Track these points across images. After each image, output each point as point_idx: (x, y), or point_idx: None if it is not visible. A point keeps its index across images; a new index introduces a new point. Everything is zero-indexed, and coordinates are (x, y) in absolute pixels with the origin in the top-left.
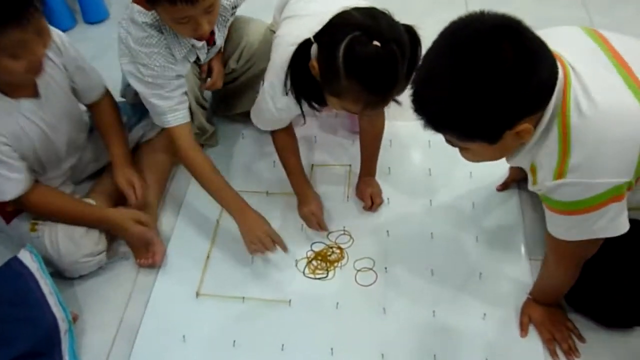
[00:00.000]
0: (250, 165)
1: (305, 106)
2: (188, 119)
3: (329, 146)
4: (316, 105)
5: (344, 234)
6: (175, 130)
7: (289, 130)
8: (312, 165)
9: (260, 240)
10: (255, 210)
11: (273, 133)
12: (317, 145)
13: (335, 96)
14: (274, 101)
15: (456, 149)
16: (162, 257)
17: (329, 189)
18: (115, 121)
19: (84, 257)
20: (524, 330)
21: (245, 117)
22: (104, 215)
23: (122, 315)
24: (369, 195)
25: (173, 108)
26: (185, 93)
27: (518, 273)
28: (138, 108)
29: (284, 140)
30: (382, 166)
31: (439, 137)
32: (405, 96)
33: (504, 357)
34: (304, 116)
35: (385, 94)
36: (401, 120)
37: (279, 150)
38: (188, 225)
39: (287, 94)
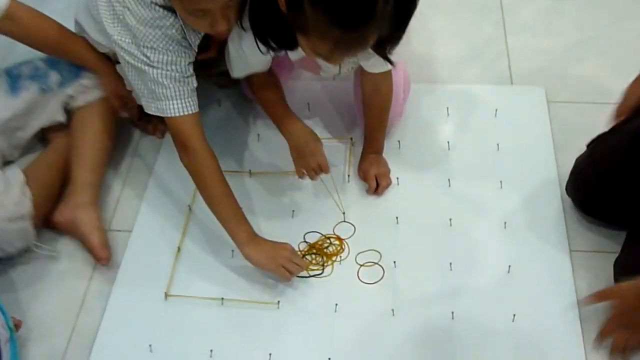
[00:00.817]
0: (228, 139)
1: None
2: (198, 108)
3: (325, 115)
4: (281, 49)
5: (344, 221)
6: (182, 122)
7: (268, 72)
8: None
9: (282, 266)
10: (268, 240)
11: (249, 77)
12: (311, 114)
13: (302, 33)
14: (240, 39)
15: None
16: (105, 253)
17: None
18: None
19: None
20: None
21: (223, 79)
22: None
23: (75, 322)
24: (373, 176)
25: (182, 93)
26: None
27: (556, 268)
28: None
29: (262, 78)
30: (391, 140)
31: (461, 104)
32: (407, 54)
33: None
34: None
35: (357, 29)
36: (413, 81)
37: (256, 89)
38: (154, 210)
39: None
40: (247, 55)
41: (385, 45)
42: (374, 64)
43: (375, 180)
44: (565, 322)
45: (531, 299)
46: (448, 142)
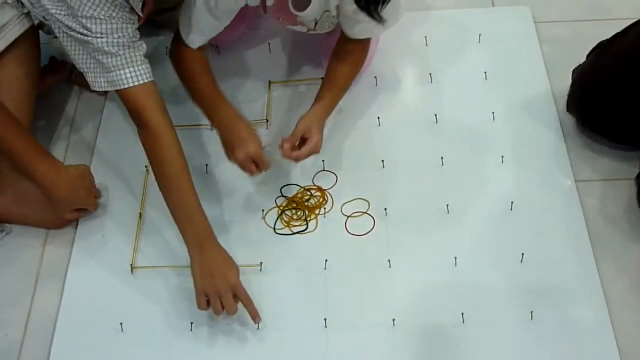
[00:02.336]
0: (181, 88)
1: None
2: (152, 77)
3: (291, 57)
4: None
5: (324, 170)
6: (137, 93)
7: (204, 50)
8: (270, 82)
9: (218, 294)
10: (221, 249)
11: (178, 48)
12: (273, 56)
13: None
14: None
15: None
16: None
17: (295, 114)
18: None
19: None
20: None
21: (170, 21)
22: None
23: (30, 308)
24: (303, 131)
25: (134, 60)
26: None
27: (562, 200)
28: None
29: (194, 55)
30: (368, 76)
31: (440, 32)
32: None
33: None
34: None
35: None
36: None
37: (186, 67)
38: (107, 175)
39: None
40: (217, 4)
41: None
42: (355, 28)
43: (297, 139)
44: (578, 258)
45: (538, 236)
46: (430, 75)
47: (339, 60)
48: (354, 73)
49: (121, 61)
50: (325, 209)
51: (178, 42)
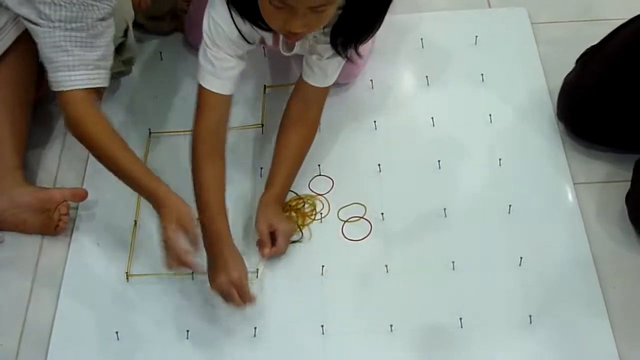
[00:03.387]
0: (176, 94)
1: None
2: (103, 83)
3: (286, 61)
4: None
5: (320, 175)
6: (71, 96)
7: (220, 131)
8: (265, 86)
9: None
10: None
11: (196, 134)
12: (267, 60)
13: None
14: (211, 11)
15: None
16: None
17: None
18: None
19: None
20: None
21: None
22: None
23: (25, 316)
24: (267, 229)
25: (86, 63)
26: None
27: (560, 203)
28: None
29: (212, 146)
30: (363, 79)
31: (436, 34)
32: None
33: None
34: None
35: None
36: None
37: (199, 163)
38: (100, 181)
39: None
40: (221, 28)
41: (342, 35)
42: (313, 69)
43: (270, 236)
44: (576, 260)
45: (537, 239)
46: (426, 77)
47: (289, 124)
48: (307, 138)
49: (70, 64)
50: (321, 213)
51: (198, 119)
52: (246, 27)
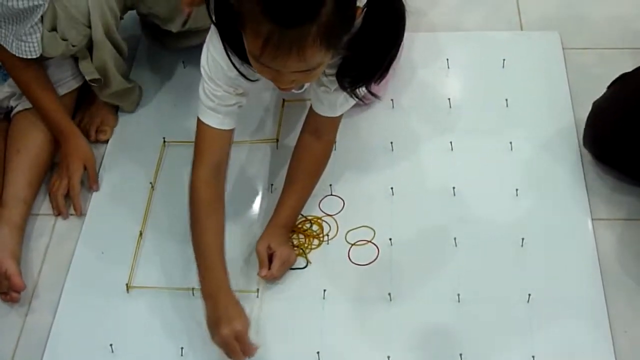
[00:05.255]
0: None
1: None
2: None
3: None
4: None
5: (331, 195)
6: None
7: (219, 180)
8: (284, 100)
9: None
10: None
11: (194, 182)
12: None
13: (241, 29)
14: (210, 46)
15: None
16: (23, 284)
17: None
18: None
19: None
20: None
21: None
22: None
23: (24, 322)
24: (265, 251)
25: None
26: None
27: (576, 239)
28: None
29: (211, 196)
30: (384, 98)
31: (463, 55)
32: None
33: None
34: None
35: (292, 25)
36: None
37: (197, 213)
38: (110, 190)
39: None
40: (220, 65)
41: (350, 77)
42: (321, 99)
43: (269, 259)
44: (588, 301)
45: (548, 275)
46: (449, 99)
47: (302, 151)
48: (318, 164)
49: None
50: (328, 235)
51: (197, 160)
52: (244, 67)
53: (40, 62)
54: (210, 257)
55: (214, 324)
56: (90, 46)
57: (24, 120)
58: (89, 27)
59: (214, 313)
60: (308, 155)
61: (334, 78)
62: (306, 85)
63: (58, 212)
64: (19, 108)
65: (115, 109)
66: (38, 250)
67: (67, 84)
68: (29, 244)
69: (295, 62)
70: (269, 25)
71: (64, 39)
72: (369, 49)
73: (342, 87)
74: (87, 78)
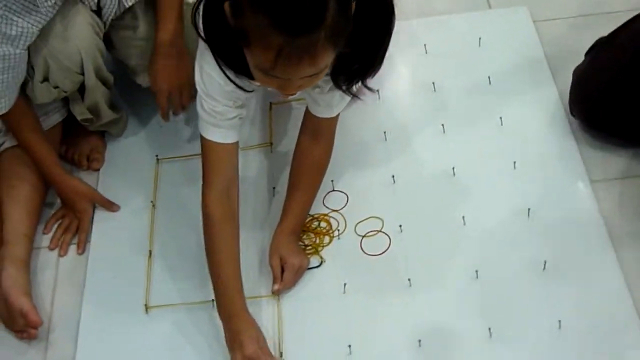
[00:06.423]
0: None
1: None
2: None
3: None
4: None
5: (334, 190)
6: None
7: (232, 197)
8: (271, 103)
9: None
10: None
11: (205, 198)
12: None
13: (245, 45)
14: (203, 63)
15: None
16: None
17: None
18: None
19: None
20: None
21: None
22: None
23: (45, 358)
24: (279, 264)
25: None
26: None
27: (578, 203)
28: None
29: (223, 211)
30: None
31: (438, 39)
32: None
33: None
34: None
35: (303, 34)
36: None
37: (210, 230)
38: (110, 215)
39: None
40: (215, 80)
41: (345, 74)
42: (317, 101)
43: (280, 267)
44: (600, 260)
45: (558, 241)
46: (433, 83)
47: (301, 153)
48: (320, 166)
49: None
50: (338, 230)
51: (207, 179)
52: (240, 79)
53: (31, 105)
54: (224, 280)
55: (230, 348)
56: (80, 88)
57: (14, 156)
58: (81, 73)
59: (229, 337)
60: (308, 159)
61: (327, 78)
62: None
63: (63, 252)
64: (6, 145)
65: (102, 134)
66: (46, 283)
67: (53, 117)
68: (35, 279)
69: (307, 68)
70: (280, 37)
71: (56, 87)
72: (364, 42)
73: (337, 85)
74: (79, 118)
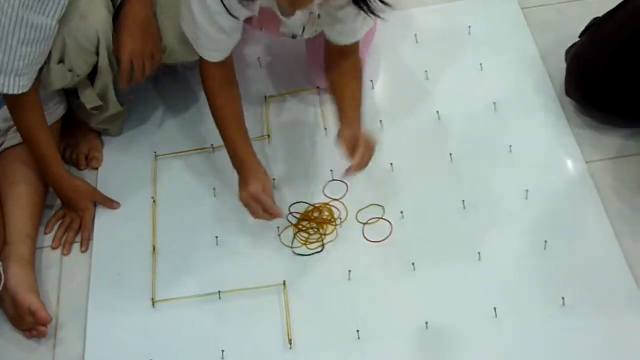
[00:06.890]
0: (186, 106)
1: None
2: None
3: (283, 69)
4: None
5: (333, 180)
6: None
7: (226, 66)
8: (265, 96)
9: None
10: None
11: (203, 70)
12: (264, 70)
13: None
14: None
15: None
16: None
17: (297, 125)
18: None
19: None
20: None
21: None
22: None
23: (53, 355)
24: (350, 140)
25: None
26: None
27: (575, 183)
28: None
29: (220, 81)
30: (364, 81)
31: (428, 28)
32: None
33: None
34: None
35: None
36: None
37: (212, 97)
38: (111, 212)
39: None
40: (211, 11)
41: None
42: (340, 32)
43: (353, 148)
44: (599, 238)
45: (557, 222)
46: (426, 72)
47: (338, 73)
48: (356, 67)
49: None
50: (340, 218)
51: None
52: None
53: (40, 101)
54: (229, 134)
55: (239, 188)
56: (90, 73)
57: (14, 156)
58: (96, 54)
59: (239, 179)
60: (345, 67)
61: (347, 8)
62: (305, 32)
63: (66, 251)
64: (5, 145)
65: (99, 133)
66: (50, 282)
67: (54, 112)
68: (40, 277)
69: None
70: None
71: (70, 70)
72: None
73: (359, 6)
74: (89, 106)
